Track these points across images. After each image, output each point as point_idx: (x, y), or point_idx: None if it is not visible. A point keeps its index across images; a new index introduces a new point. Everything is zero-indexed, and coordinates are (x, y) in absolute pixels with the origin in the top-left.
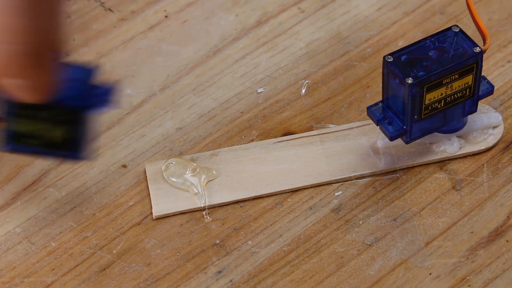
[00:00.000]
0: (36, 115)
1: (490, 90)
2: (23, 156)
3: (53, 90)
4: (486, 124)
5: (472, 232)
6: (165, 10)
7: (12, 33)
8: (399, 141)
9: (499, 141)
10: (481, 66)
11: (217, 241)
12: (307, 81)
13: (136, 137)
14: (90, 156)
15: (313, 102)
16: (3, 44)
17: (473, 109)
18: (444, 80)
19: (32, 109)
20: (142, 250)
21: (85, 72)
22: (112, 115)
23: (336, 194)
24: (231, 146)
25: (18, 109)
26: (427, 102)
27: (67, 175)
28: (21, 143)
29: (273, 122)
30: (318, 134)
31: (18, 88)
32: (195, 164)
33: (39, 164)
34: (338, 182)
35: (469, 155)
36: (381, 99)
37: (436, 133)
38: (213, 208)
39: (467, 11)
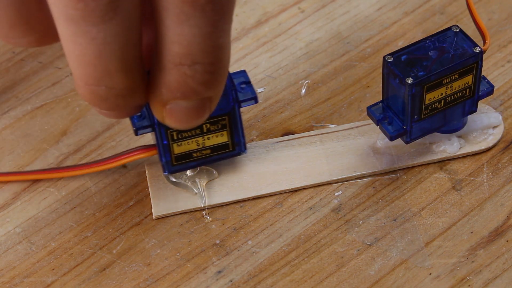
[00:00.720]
0: (196, 132)
1: (490, 90)
2: (22, 157)
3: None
4: (486, 124)
5: (472, 232)
6: None
7: (193, 55)
8: (399, 141)
9: (499, 141)
10: (481, 66)
11: (217, 241)
12: (307, 81)
13: (136, 137)
14: (246, 148)
15: (313, 102)
16: (180, 66)
17: (473, 109)
18: (444, 80)
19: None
20: (142, 250)
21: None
22: None
23: (336, 194)
24: None
25: (177, 134)
26: (427, 102)
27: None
28: (181, 162)
29: (273, 122)
30: (318, 134)
31: (188, 110)
32: None
33: (38, 164)
34: (338, 182)
35: (469, 155)
36: (381, 99)
37: (436, 133)
38: (213, 208)
39: (467, 11)
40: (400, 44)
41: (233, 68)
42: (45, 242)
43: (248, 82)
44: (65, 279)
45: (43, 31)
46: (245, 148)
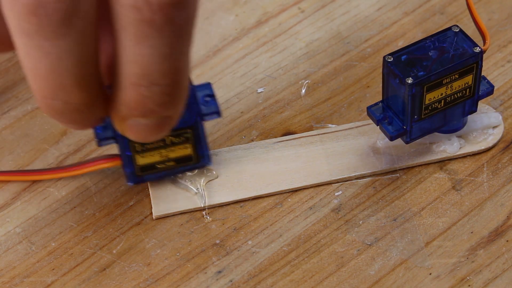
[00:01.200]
0: (159, 144)
1: (490, 90)
2: (23, 158)
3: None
4: (486, 124)
5: (472, 232)
6: None
7: (150, 76)
8: (399, 141)
9: (499, 141)
10: (481, 66)
11: (217, 241)
12: (307, 81)
13: None
14: (211, 160)
15: (313, 102)
16: (137, 86)
17: (473, 109)
18: (444, 80)
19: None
20: (142, 250)
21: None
22: None
23: (336, 194)
24: (231, 146)
25: (141, 146)
26: (427, 102)
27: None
28: (146, 173)
29: (273, 122)
30: (318, 134)
31: (147, 127)
32: None
33: (38, 164)
34: (338, 182)
35: (469, 155)
36: (381, 99)
37: (436, 133)
38: (213, 208)
39: (467, 11)
40: (400, 44)
41: (232, 68)
42: (45, 242)
43: (212, 95)
44: (65, 279)
45: (5, 41)
46: (210, 160)
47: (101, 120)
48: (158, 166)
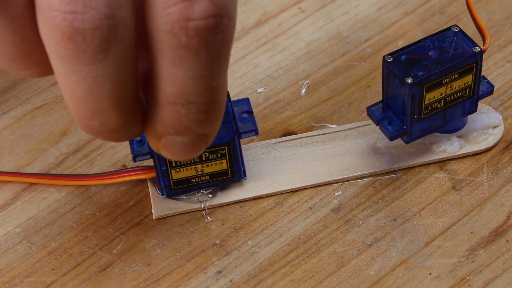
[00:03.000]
0: (195, 160)
1: (490, 90)
2: (23, 158)
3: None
4: (486, 124)
5: (472, 232)
6: None
7: (187, 96)
8: (399, 141)
9: (499, 141)
10: (481, 66)
11: (217, 241)
12: (307, 81)
13: None
14: (246, 175)
15: (313, 102)
16: (173, 105)
17: (473, 109)
18: (443, 80)
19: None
20: (142, 250)
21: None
22: None
23: (336, 194)
24: None
25: (175, 161)
26: (427, 102)
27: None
28: (180, 187)
29: (273, 122)
30: (318, 135)
31: (183, 145)
32: None
33: (38, 164)
34: (338, 182)
35: (469, 155)
36: (381, 99)
37: (436, 133)
38: (213, 208)
39: (467, 11)
40: (400, 44)
41: (232, 68)
42: (45, 242)
43: (250, 112)
44: (65, 279)
45: (44, 65)
46: (245, 175)
47: (139, 134)
48: (193, 180)
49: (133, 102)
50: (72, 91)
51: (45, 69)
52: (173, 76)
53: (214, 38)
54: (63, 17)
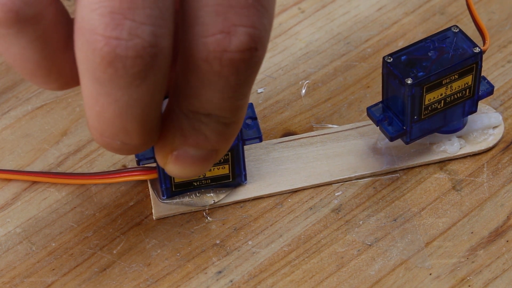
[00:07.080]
0: None
1: (490, 90)
2: (24, 159)
3: None
4: (486, 124)
5: (472, 232)
6: None
7: (211, 110)
8: (399, 142)
9: (499, 141)
10: (481, 66)
11: (217, 241)
12: (307, 81)
13: None
14: (246, 179)
15: (313, 102)
16: (195, 113)
17: (473, 109)
18: (443, 80)
19: None
20: (142, 250)
21: None
22: None
23: (336, 194)
24: None
25: None
26: (426, 102)
27: None
28: (180, 189)
29: (273, 122)
30: (318, 135)
31: (194, 158)
32: None
33: (38, 164)
34: (338, 183)
35: (469, 155)
36: (381, 99)
37: (436, 134)
38: (213, 208)
39: (467, 11)
40: (400, 44)
41: None
42: (45, 243)
43: (254, 118)
44: (65, 279)
45: (64, 82)
46: (245, 179)
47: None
48: (194, 183)
49: (157, 125)
50: (101, 112)
51: (64, 85)
52: (200, 95)
53: (245, 67)
54: (106, 42)
